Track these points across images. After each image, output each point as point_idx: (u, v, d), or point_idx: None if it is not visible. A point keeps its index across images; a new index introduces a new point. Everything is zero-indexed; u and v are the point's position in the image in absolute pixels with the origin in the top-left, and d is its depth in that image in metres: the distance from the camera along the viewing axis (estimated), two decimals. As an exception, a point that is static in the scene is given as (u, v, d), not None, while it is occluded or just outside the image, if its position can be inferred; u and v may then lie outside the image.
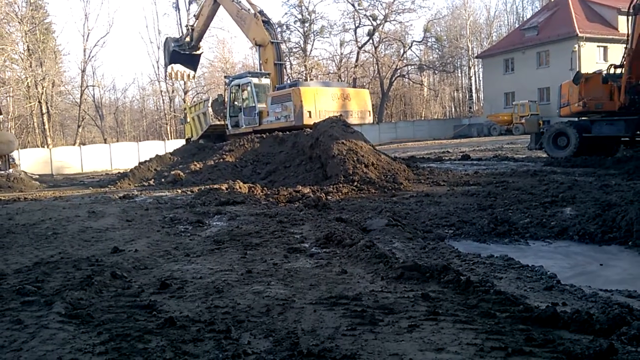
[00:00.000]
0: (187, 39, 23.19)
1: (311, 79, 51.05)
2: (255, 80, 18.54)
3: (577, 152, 14.60)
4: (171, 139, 47.66)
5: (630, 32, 13.72)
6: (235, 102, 19.06)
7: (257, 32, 19.35)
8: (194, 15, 23.52)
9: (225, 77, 23.79)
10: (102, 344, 3.04)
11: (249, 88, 18.55)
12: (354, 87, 57.03)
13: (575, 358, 2.62)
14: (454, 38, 63.86)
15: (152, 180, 16.01)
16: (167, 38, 24.40)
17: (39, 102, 43.42)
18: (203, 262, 5.19)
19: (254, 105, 18.21)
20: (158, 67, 56.92)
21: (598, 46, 39.08)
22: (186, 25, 23.46)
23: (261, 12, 19.51)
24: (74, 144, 44.54)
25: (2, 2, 39.51)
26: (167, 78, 26.12)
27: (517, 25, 55.92)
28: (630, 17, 13.47)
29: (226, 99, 19.86)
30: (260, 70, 19.32)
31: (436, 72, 63.31)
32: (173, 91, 55.48)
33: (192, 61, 24.44)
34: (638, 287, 4.07)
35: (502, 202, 8.16)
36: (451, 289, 3.86)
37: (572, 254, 5.64)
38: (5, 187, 17.79)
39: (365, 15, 55.43)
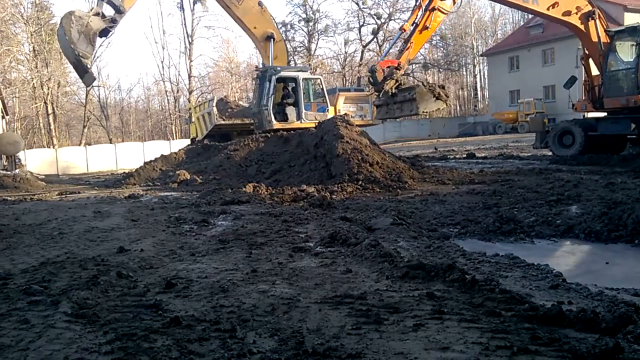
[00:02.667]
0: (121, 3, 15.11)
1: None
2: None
3: (582, 151, 14.57)
4: (176, 138, 47.79)
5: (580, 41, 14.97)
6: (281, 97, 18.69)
7: (264, 23, 18.93)
8: None
9: (261, 69, 19.43)
10: (108, 343, 3.06)
11: (314, 85, 18.81)
12: (359, 86, 57.13)
13: (581, 357, 2.61)
14: (458, 36, 63.73)
15: (158, 180, 16.07)
16: (71, 13, 14.39)
17: (45, 102, 43.65)
18: (208, 261, 5.20)
19: (324, 100, 18.80)
20: (163, 67, 57.25)
21: (604, 43, 38.85)
22: None
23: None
24: (79, 144, 44.73)
25: (8, 3, 39.73)
26: (88, 82, 16.97)
27: (522, 23, 55.71)
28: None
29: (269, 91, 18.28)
30: (271, 64, 19.17)
31: (441, 70, 63.19)
32: (178, 91, 55.65)
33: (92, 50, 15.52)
34: (644, 286, 4.04)
35: (508, 201, 8.14)
36: (456, 287, 3.86)
37: (578, 252, 5.62)
38: (12, 187, 17.89)
39: (369, 14, 55.40)
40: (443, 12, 13.72)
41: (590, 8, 14.39)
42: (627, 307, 3.27)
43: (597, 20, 14.36)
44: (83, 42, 14.57)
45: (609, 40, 14.24)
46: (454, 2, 14.12)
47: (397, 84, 13.16)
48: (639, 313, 3.14)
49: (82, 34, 14.47)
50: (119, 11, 15.15)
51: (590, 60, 14.98)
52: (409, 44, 13.35)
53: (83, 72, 14.71)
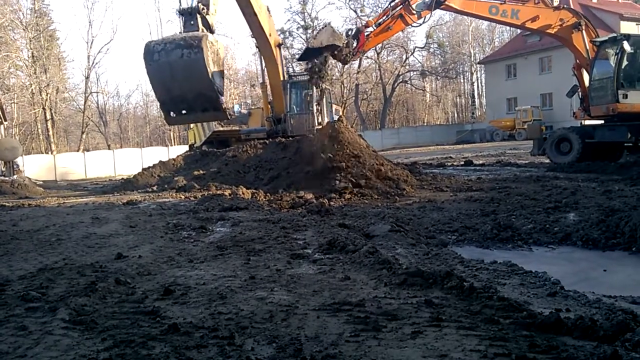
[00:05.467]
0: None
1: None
2: None
3: (580, 158, 14.63)
4: (174, 145, 47.76)
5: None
6: None
7: (274, 29, 18.89)
8: None
9: (296, 74, 20.00)
10: (106, 350, 3.05)
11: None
12: (356, 93, 57.22)
13: (579, 364, 2.62)
14: (456, 44, 64.00)
15: (156, 186, 16.03)
16: (207, 36, 11.41)
17: (43, 108, 43.69)
18: (206, 268, 5.20)
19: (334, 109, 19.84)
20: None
21: (600, 52, 39.04)
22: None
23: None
24: (77, 150, 44.73)
25: (7, 10, 39.82)
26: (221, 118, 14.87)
27: (519, 31, 55.99)
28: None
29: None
30: (285, 72, 19.31)
31: (439, 78, 63.42)
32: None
33: None
34: (642, 293, 4.05)
35: (505, 208, 8.15)
36: (454, 295, 3.86)
37: (576, 259, 5.62)
38: (10, 193, 17.85)
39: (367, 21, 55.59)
40: (406, 23, 14.64)
41: (576, 20, 14.59)
42: (625, 315, 3.28)
43: (584, 31, 14.57)
44: (217, 73, 11.56)
45: (595, 50, 14.47)
46: (420, 17, 14.68)
47: (349, 54, 14.51)
48: (636, 320, 3.15)
49: (216, 64, 11.34)
50: (212, 31, 12.58)
51: (583, 70, 15.23)
52: (368, 38, 14.66)
53: (216, 109, 11.29)
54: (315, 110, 18.43)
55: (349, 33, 14.88)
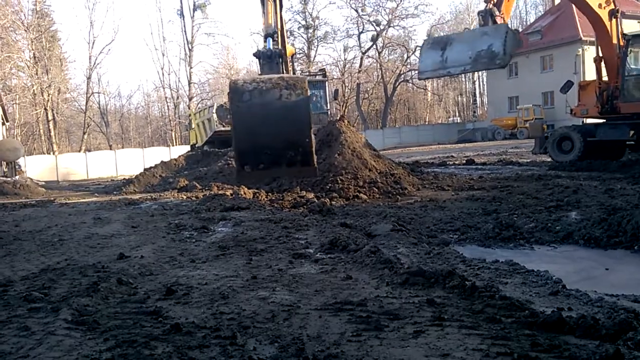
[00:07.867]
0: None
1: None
2: None
3: (581, 156, 14.55)
4: (176, 145, 47.80)
5: (596, 41, 14.60)
6: None
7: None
8: None
9: (313, 74, 22.49)
10: (109, 350, 3.06)
11: None
12: (358, 92, 57.21)
13: (581, 363, 2.61)
14: (457, 43, 63.84)
15: (158, 186, 16.06)
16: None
17: (45, 109, 43.78)
18: (208, 268, 5.20)
19: None
20: (163, 74, 57.27)
21: (602, 50, 38.93)
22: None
23: None
24: (79, 151, 44.78)
25: (9, 11, 39.90)
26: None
27: (520, 30, 55.95)
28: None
29: None
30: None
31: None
32: (178, 97, 55.76)
33: None
34: (644, 292, 4.04)
35: (507, 207, 8.14)
36: (456, 294, 3.86)
37: (578, 258, 5.61)
38: (12, 193, 17.90)
39: (368, 20, 55.73)
40: None
41: (614, 7, 14.12)
42: (627, 314, 3.27)
43: (619, 20, 14.13)
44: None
45: (623, 44, 14.00)
46: None
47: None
48: (639, 319, 3.14)
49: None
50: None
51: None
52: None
53: (305, 164, 9.05)
54: (328, 110, 19.15)
55: (481, 14, 11.97)
